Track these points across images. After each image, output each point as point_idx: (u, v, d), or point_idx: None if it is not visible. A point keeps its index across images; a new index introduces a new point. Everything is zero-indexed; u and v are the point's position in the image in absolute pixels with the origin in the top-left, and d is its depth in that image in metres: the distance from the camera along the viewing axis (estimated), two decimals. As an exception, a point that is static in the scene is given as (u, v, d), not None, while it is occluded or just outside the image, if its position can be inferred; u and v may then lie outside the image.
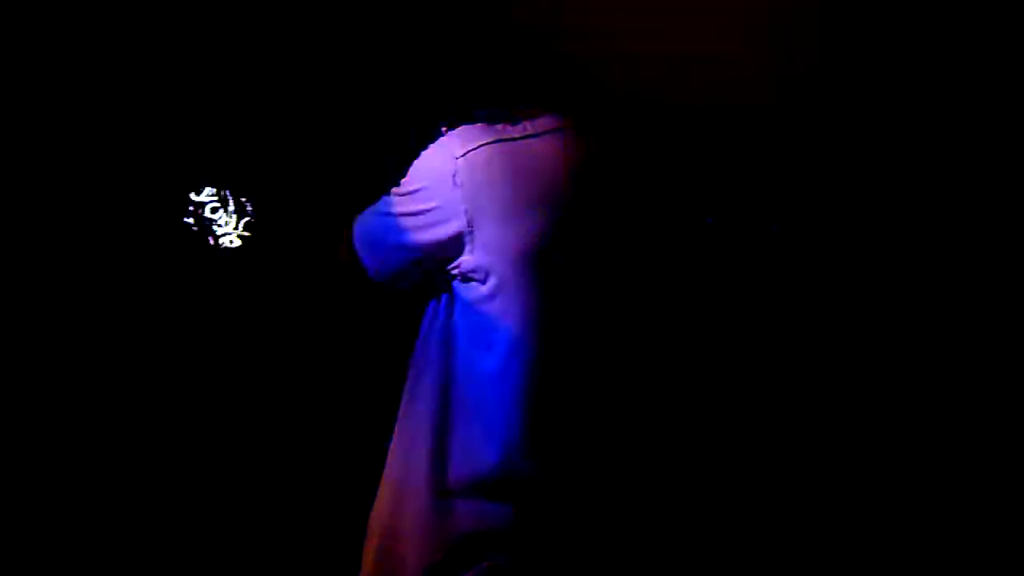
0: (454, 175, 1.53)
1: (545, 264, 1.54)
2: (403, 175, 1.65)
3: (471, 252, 1.55)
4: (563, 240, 1.56)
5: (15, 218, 3.22)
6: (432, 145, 1.61)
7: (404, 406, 1.71)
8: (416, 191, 1.59)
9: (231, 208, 1.94)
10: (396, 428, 1.72)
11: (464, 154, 1.54)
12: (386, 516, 1.68)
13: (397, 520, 1.65)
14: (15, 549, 3.35)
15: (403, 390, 1.73)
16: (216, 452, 3.19)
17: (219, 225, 1.94)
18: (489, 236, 1.53)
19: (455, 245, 1.56)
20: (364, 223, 1.70)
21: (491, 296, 1.55)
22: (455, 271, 1.59)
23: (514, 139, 1.56)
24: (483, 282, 1.55)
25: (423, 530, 1.60)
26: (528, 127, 1.58)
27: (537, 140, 1.57)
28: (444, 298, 1.65)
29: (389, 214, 1.63)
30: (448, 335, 1.62)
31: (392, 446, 1.72)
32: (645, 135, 1.84)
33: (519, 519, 1.58)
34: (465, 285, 1.59)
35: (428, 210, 1.57)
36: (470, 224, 1.54)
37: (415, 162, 1.62)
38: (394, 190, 1.64)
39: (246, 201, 1.94)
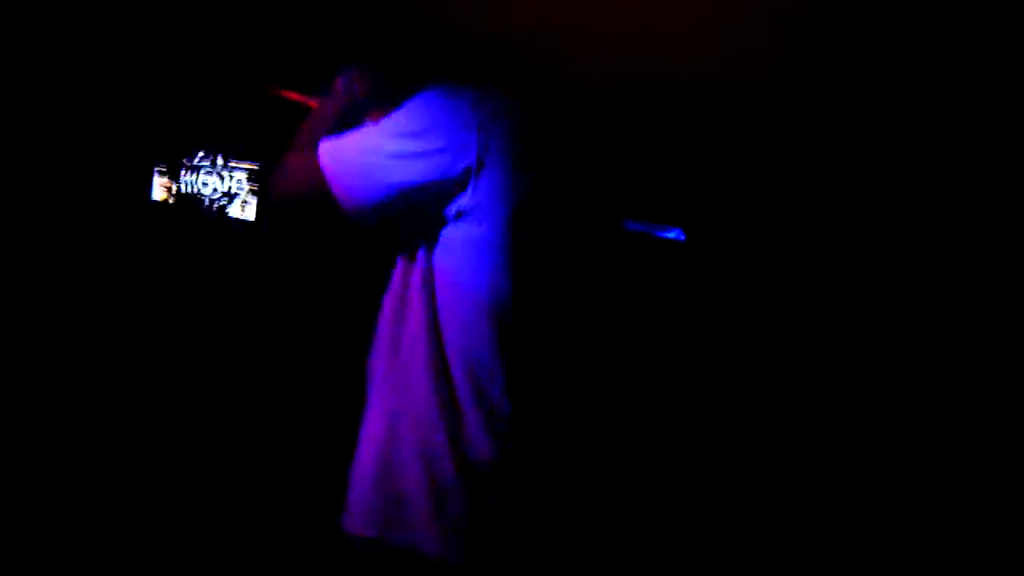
0: (471, 119, 1.62)
1: (528, 218, 1.67)
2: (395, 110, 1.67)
3: (473, 191, 1.63)
4: (546, 199, 1.71)
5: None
6: (439, 88, 1.68)
7: (387, 359, 1.71)
8: (427, 129, 1.63)
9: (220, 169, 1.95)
10: (380, 378, 1.72)
11: (482, 99, 1.63)
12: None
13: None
14: (15, 549, 3.37)
15: (380, 344, 1.73)
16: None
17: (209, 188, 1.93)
18: (492, 180, 1.63)
19: (459, 183, 1.62)
20: (350, 157, 1.67)
21: (482, 236, 1.64)
22: (453, 208, 1.64)
23: (524, 102, 1.67)
24: (478, 222, 1.64)
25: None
26: (533, 98, 1.69)
27: (541, 110, 1.70)
28: (421, 245, 1.68)
29: (390, 150, 1.64)
30: (430, 278, 1.66)
31: (380, 395, 1.72)
32: (606, 127, 1.90)
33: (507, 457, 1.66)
34: (456, 223, 1.65)
35: (440, 148, 1.62)
36: (479, 165, 1.61)
37: (419, 101, 1.66)
38: (392, 127, 1.65)
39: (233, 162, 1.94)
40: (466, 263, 1.64)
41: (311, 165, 1.67)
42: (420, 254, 1.68)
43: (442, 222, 1.66)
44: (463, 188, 1.63)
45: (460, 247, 1.65)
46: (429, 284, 1.66)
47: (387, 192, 1.65)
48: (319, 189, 1.66)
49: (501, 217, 1.65)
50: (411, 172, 1.63)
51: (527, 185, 1.67)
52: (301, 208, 1.73)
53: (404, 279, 1.71)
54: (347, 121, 1.83)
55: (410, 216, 1.67)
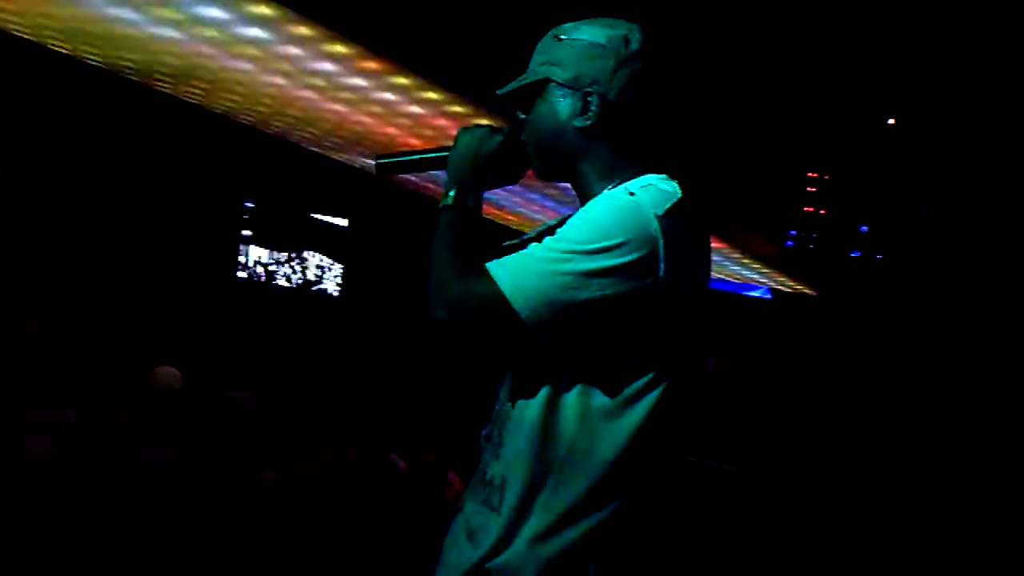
0: (658, 231, 1.61)
1: (693, 304, 1.72)
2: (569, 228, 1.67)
3: (663, 303, 1.63)
4: (703, 284, 1.76)
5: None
6: (618, 201, 1.67)
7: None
8: (625, 243, 1.60)
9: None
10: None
11: (664, 213, 1.63)
12: None
13: None
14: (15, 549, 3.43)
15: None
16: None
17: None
18: (679, 288, 1.64)
19: (649, 297, 1.62)
20: (536, 282, 1.62)
21: (674, 340, 1.68)
22: (643, 319, 1.64)
23: (684, 200, 1.68)
24: (670, 328, 1.67)
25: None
26: (676, 185, 1.71)
27: (686, 198, 1.69)
28: (580, 353, 1.68)
29: (579, 270, 1.60)
30: (589, 383, 1.67)
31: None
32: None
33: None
34: (637, 331, 1.65)
35: (632, 263, 1.60)
36: (667, 276, 1.61)
37: (603, 217, 1.65)
38: (584, 247, 1.62)
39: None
40: (641, 372, 1.66)
41: (489, 292, 1.63)
42: (586, 359, 1.67)
43: (624, 330, 1.65)
44: (653, 297, 1.62)
45: (642, 353, 1.66)
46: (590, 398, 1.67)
47: (580, 310, 1.61)
48: (501, 314, 1.61)
49: (684, 323, 1.68)
50: (608, 288, 1.60)
51: (696, 277, 1.71)
52: (474, 335, 1.69)
53: (554, 388, 1.69)
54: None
55: (594, 327, 1.65)
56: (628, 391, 1.67)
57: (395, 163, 1.96)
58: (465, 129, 1.85)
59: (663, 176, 1.77)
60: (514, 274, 1.63)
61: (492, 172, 1.81)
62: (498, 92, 1.87)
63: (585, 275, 1.61)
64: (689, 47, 4.21)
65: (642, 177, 1.76)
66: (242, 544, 3.94)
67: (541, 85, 1.82)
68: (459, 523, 1.85)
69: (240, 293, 6.75)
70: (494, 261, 1.69)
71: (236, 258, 6.90)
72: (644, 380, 1.67)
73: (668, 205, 1.65)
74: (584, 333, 1.66)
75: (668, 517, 1.74)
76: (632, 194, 1.69)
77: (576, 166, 1.81)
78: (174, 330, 5.71)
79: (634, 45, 1.74)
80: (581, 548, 1.68)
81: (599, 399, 1.69)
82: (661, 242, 1.61)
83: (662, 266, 1.61)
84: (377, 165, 1.96)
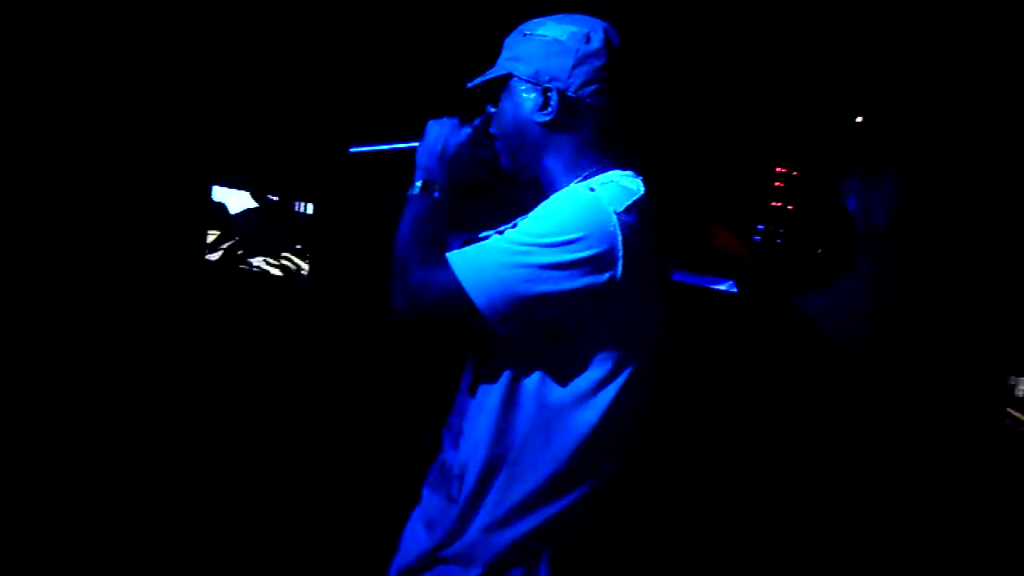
0: (616, 227, 1.66)
1: (661, 306, 1.79)
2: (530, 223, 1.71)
3: (620, 299, 1.67)
4: (662, 280, 1.82)
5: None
6: (575, 198, 1.72)
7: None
8: (582, 238, 1.66)
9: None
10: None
11: (624, 210, 1.68)
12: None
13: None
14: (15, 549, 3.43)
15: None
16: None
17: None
18: (637, 285, 1.69)
19: (606, 293, 1.66)
20: (495, 272, 1.67)
21: (632, 337, 1.72)
22: (600, 315, 1.68)
23: (645, 197, 1.73)
24: (628, 325, 1.71)
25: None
26: (639, 182, 1.76)
27: (647, 194, 1.74)
28: (539, 345, 1.72)
29: (537, 263, 1.66)
30: (547, 375, 1.73)
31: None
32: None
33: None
34: (594, 327, 1.69)
35: (589, 259, 1.66)
36: (624, 272, 1.66)
37: (563, 212, 1.70)
38: (542, 240, 1.67)
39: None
40: (597, 366, 1.72)
41: (448, 283, 1.68)
42: (543, 352, 1.72)
43: (581, 325, 1.69)
44: (610, 293, 1.67)
45: (599, 348, 1.71)
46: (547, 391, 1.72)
47: (538, 303, 1.67)
48: (460, 306, 1.67)
49: (643, 319, 1.74)
50: (565, 282, 1.66)
51: (661, 284, 1.78)
52: (433, 327, 1.74)
53: (512, 381, 1.75)
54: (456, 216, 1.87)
55: (551, 321, 1.69)
56: (586, 385, 1.72)
57: (368, 153, 1.98)
58: (435, 120, 1.92)
59: (628, 173, 1.78)
60: (473, 265, 1.68)
61: (460, 164, 1.88)
62: (467, 85, 1.89)
63: (542, 268, 1.65)
64: (661, 44, 4.22)
65: (606, 173, 1.77)
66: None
67: (506, 80, 1.83)
68: (417, 513, 1.86)
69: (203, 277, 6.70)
70: (455, 251, 1.70)
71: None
72: (602, 374, 1.72)
73: (628, 203, 1.70)
74: (541, 326, 1.70)
75: (624, 509, 1.76)
76: (592, 190, 1.71)
77: (540, 161, 1.83)
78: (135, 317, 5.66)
79: (594, 43, 1.79)
80: (534, 538, 1.70)
81: (557, 392, 1.70)
82: (619, 239, 1.67)
83: (620, 263, 1.67)
84: (350, 154, 1.98)
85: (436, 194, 1.84)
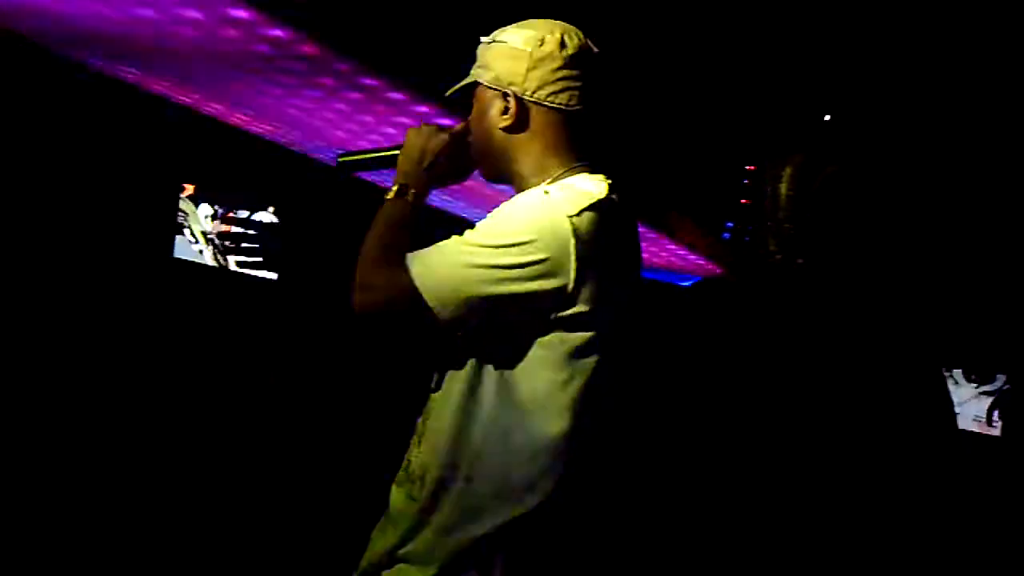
0: (569, 232, 1.65)
1: (616, 314, 1.75)
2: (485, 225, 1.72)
3: (570, 305, 1.66)
4: (632, 285, 1.80)
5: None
6: (530, 201, 1.73)
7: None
8: (530, 242, 1.65)
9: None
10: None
11: (577, 213, 1.66)
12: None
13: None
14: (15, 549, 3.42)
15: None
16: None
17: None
18: (588, 291, 1.66)
19: (557, 296, 1.65)
20: (446, 272, 1.69)
21: (580, 343, 1.70)
22: (548, 319, 1.67)
23: (604, 202, 1.72)
24: (572, 331, 1.68)
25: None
26: (605, 188, 1.75)
27: (614, 199, 1.74)
28: (496, 343, 1.72)
29: (493, 265, 1.66)
30: (505, 375, 1.71)
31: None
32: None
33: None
34: (551, 330, 1.69)
35: (541, 261, 1.65)
36: (576, 279, 1.65)
37: (516, 215, 1.70)
38: (493, 240, 1.68)
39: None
40: (556, 367, 1.70)
41: (402, 282, 1.69)
42: (499, 360, 1.72)
43: (535, 329, 1.69)
44: (563, 297, 1.66)
45: (555, 352, 1.69)
46: (506, 389, 1.71)
47: (486, 308, 1.67)
48: (413, 304, 1.68)
49: (606, 318, 1.70)
50: (513, 285, 1.65)
51: (621, 280, 1.74)
52: (389, 319, 1.76)
53: (472, 380, 1.74)
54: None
55: (504, 325, 1.70)
56: (545, 389, 1.71)
57: (356, 161, 2.03)
58: (415, 128, 1.93)
59: (596, 175, 1.79)
60: (426, 264, 1.70)
61: (438, 170, 1.89)
62: (446, 94, 1.92)
63: (489, 269, 1.66)
64: (630, 44, 4.23)
65: (569, 176, 1.78)
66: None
67: (475, 88, 1.85)
68: (387, 512, 1.87)
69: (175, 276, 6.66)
70: (414, 251, 1.72)
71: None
72: (562, 378, 1.71)
73: (583, 205, 1.69)
74: (495, 328, 1.70)
75: (580, 516, 1.75)
76: (547, 192, 1.72)
77: (508, 167, 1.85)
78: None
79: (548, 46, 1.79)
80: (489, 541, 1.70)
81: (516, 396, 1.71)
82: (573, 243, 1.66)
83: (574, 267, 1.66)
84: (339, 163, 2.01)
85: (410, 199, 1.85)
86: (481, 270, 1.66)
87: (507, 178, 1.86)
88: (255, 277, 5.37)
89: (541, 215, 1.68)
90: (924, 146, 5.25)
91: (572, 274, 1.65)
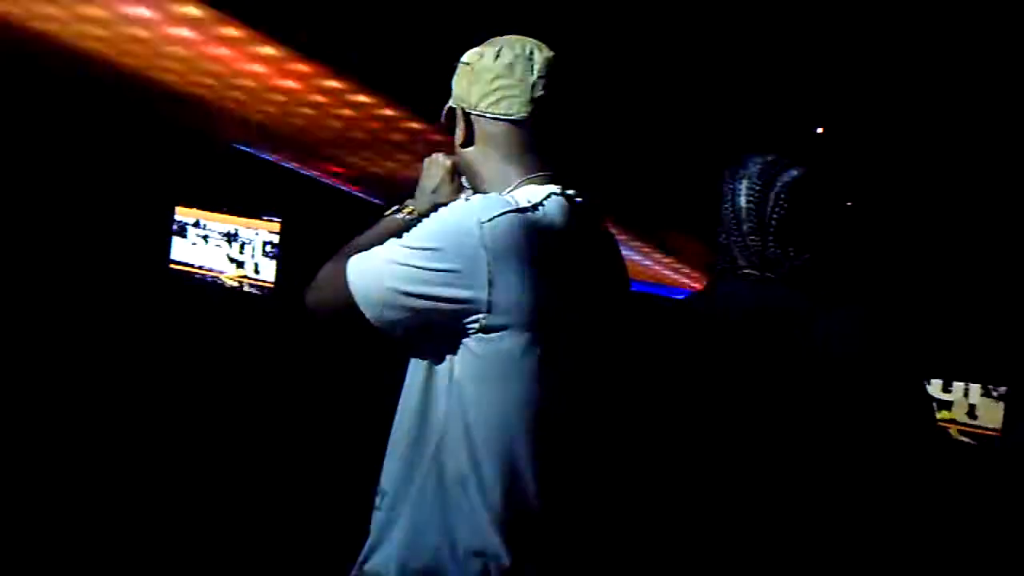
0: (478, 239, 1.62)
1: (551, 321, 1.68)
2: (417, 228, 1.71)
3: (488, 311, 1.63)
4: (566, 297, 1.71)
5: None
6: (452, 208, 1.73)
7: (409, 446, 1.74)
8: (438, 249, 1.64)
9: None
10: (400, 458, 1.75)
11: (489, 220, 1.64)
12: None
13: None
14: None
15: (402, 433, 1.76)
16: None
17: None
18: (507, 297, 1.62)
19: (472, 304, 1.62)
20: (372, 268, 1.69)
21: (510, 349, 1.65)
22: (470, 326, 1.64)
23: (526, 209, 1.68)
24: (499, 338, 1.64)
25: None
26: (533, 197, 1.71)
27: (543, 210, 1.70)
28: (436, 347, 1.70)
29: (406, 264, 1.66)
30: (452, 380, 1.68)
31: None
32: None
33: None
34: (477, 337, 1.65)
35: (450, 270, 1.63)
36: (490, 285, 1.62)
37: (434, 221, 1.70)
38: (410, 242, 1.67)
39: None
40: (493, 374, 1.66)
41: (338, 274, 1.70)
42: (444, 364, 1.69)
43: (466, 336, 1.66)
44: (477, 310, 1.63)
45: (487, 358, 1.66)
46: (455, 394, 1.68)
47: (404, 308, 1.66)
48: (349, 302, 1.69)
49: (522, 327, 1.65)
50: (425, 288, 1.64)
51: (543, 289, 1.66)
52: (333, 317, 1.75)
53: (425, 385, 1.72)
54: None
55: (433, 329, 1.68)
56: (488, 398, 1.67)
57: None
58: (429, 158, 1.98)
59: (549, 185, 1.76)
60: (359, 261, 1.71)
61: (443, 194, 1.91)
62: (436, 123, 1.94)
63: (403, 267, 1.65)
64: (612, 51, 4.25)
65: (526, 186, 1.76)
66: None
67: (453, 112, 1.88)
68: None
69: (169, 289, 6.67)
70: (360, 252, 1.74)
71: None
72: (501, 388, 1.67)
73: (496, 212, 1.65)
74: (427, 334, 1.69)
75: (541, 525, 1.72)
76: (467, 199, 1.74)
77: (474, 181, 1.87)
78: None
79: (486, 59, 1.79)
80: (442, 557, 1.66)
81: (463, 406, 1.67)
82: (482, 250, 1.63)
83: (487, 274, 1.63)
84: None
85: (407, 218, 1.87)
86: (397, 266, 1.66)
87: (482, 192, 1.85)
88: (255, 286, 5.36)
89: (454, 222, 1.67)
90: (924, 146, 5.25)
91: (485, 281, 1.63)
